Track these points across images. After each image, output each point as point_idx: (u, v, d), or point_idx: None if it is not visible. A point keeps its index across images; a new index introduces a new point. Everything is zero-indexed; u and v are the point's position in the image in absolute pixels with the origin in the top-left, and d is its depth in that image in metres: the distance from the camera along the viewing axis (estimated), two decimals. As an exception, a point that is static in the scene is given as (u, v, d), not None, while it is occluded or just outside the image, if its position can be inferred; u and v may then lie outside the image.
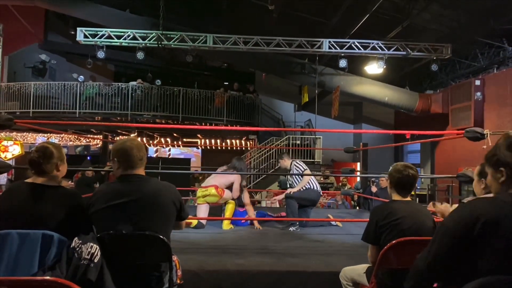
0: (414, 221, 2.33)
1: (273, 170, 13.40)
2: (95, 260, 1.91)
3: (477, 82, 10.54)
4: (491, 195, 1.53)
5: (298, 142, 14.71)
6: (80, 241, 1.95)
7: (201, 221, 5.29)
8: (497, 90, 10.14)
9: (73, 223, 2.07)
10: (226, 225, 5.36)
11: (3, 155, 9.06)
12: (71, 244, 1.94)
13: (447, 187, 11.42)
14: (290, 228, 5.32)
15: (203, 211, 5.39)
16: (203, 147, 16.93)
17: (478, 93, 10.51)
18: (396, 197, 2.48)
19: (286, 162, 5.71)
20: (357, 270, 2.62)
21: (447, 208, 2.41)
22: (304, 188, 5.45)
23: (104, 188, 2.23)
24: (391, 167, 2.54)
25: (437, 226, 1.57)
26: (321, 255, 3.93)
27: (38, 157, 2.14)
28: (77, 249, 1.92)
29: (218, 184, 5.37)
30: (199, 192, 5.41)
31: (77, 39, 10.47)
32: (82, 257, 1.90)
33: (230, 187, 5.49)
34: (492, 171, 1.46)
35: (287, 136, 14.82)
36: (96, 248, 1.94)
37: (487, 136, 3.87)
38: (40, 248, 1.93)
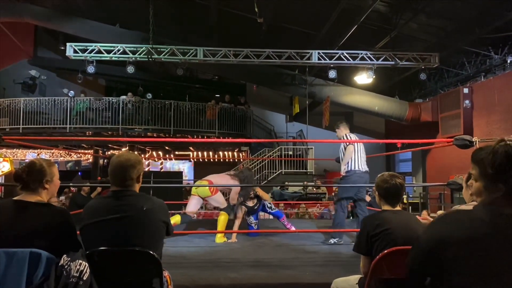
0: (405, 230, 2.33)
1: (265, 181, 13.38)
2: (84, 278, 1.88)
3: (466, 90, 10.68)
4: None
5: (291, 152, 14.76)
6: (69, 259, 1.92)
7: (187, 212, 5.38)
8: (485, 98, 10.28)
9: (61, 240, 2.03)
10: (219, 238, 5.31)
11: (-8, 172, 8.97)
12: (59, 262, 1.91)
13: (439, 195, 11.48)
14: (331, 240, 5.08)
15: (193, 203, 5.43)
16: (195, 160, 16.87)
17: (467, 101, 10.64)
18: (385, 207, 2.48)
19: (341, 132, 5.39)
20: (350, 281, 2.60)
21: None
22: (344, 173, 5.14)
23: (94, 204, 2.21)
24: (377, 178, 2.55)
25: (416, 239, 1.58)
26: (315, 266, 3.91)
27: (22, 172, 2.11)
28: (66, 266, 1.89)
29: (214, 182, 5.34)
30: (196, 183, 5.48)
31: (67, 54, 10.46)
32: (71, 275, 1.87)
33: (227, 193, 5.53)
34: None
35: (279, 147, 14.86)
36: (85, 265, 1.91)
37: (476, 143, 3.91)
38: (27, 266, 1.90)
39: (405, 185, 2.59)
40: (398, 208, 2.47)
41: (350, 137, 5.30)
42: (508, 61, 9.56)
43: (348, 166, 5.10)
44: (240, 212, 5.67)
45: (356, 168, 5.07)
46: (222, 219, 5.40)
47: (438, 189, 11.33)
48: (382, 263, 2.26)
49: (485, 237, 1.33)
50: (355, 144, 5.13)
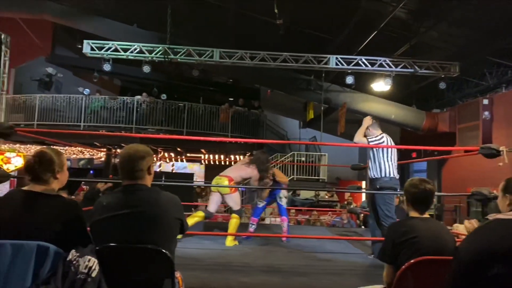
0: (434, 239, 2.18)
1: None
2: (93, 275, 1.77)
3: (485, 101, 10.44)
4: None
5: (303, 158, 14.60)
6: (78, 254, 1.81)
7: (210, 210, 5.28)
8: (505, 110, 10.03)
9: (70, 234, 1.93)
10: (230, 241, 5.18)
11: (5, 167, 8.98)
12: (67, 256, 1.81)
13: (455, 208, 11.22)
14: (371, 256, 4.45)
15: (214, 201, 5.32)
16: (206, 162, 16.81)
17: (486, 113, 10.40)
18: (413, 213, 2.34)
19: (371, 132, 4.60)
20: (371, 292, 2.46)
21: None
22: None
23: (105, 199, 2.10)
24: (406, 183, 2.41)
25: (454, 252, 1.45)
26: (330, 275, 3.77)
27: (35, 162, 2.01)
28: (74, 262, 1.79)
29: (234, 177, 5.25)
30: (214, 181, 5.36)
31: (84, 51, 10.48)
32: (79, 271, 1.76)
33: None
34: None
35: (291, 153, 14.72)
36: (94, 261, 1.80)
37: (503, 153, 3.74)
38: (34, 260, 1.80)
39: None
40: (426, 215, 2.33)
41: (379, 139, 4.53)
42: (531, 73, 9.32)
43: (387, 172, 4.42)
44: (263, 193, 5.63)
45: (394, 175, 4.41)
46: (234, 222, 5.25)
47: (454, 202, 11.07)
48: (408, 273, 2.11)
49: None
50: (389, 148, 4.50)
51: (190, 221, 5.26)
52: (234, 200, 5.28)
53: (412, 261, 2.09)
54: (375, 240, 4.42)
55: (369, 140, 4.54)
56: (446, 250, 2.13)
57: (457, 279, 1.37)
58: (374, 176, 4.51)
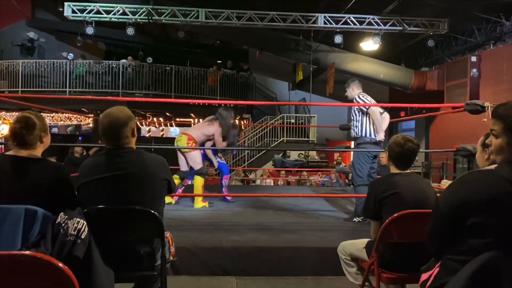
0: (416, 193, 2.25)
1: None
2: (82, 236, 1.80)
3: (473, 59, 10.40)
4: (494, 166, 1.44)
5: (293, 120, 14.63)
6: (66, 217, 1.83)
7: (182, 170, 5.21)
8: (493, 67, 10.03)
9: (58, 197, 1.94)
10: (199, 203, 5.13)
11: (-9, 135, 8.88)
12: (56, 219, 1.83)
13: (442, 165, 11.42)
14: (355, 219, 4.37)
15: (183, 161, 5.21)
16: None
17: (474, 70, 10.38)
18: (395, 170, 2.38)
19: (353, 92, 4.56)
20: (356, 245, 2.54)
21: None
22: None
23: (92, 161, 2.11)
24: (390, 139, 2.43)
25: (434, 204, 1.51)
26: (318, 231, 3.88)
27: (21, 127, 1.99)
28: (63, 224, 1.80)
29: (195, 136, 5.12)
30: (175, 141, 5.25)
31: (65, 14, 10.13)
32: (68, 233, 1.79)
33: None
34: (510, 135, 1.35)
35: (281, 115, 14.71)
36: (83, 223, 1.82)
37: (487, 108, 3.78)
38: (23, 224, 1.82)
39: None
40: (408, 171, 2.37)
41: (366, 99, 4.48)
42: (520, 29, 9.27)
43: (363, 132, 4.42)
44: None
45: (372, 136, 4.40)
46: (198, 183, 5.17)
47: (441, 159, 11.26)
48: (391, 227, 2.18)
49: (510, 196, 1.26)
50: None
51: None
52: (194, 159, 5.11)
53: (395, 215, 2.16)
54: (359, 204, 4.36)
55: (358, 99, 4.50)
56: (427, 203, 2.19)
57: (436, 230, 1.43)
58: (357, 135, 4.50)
